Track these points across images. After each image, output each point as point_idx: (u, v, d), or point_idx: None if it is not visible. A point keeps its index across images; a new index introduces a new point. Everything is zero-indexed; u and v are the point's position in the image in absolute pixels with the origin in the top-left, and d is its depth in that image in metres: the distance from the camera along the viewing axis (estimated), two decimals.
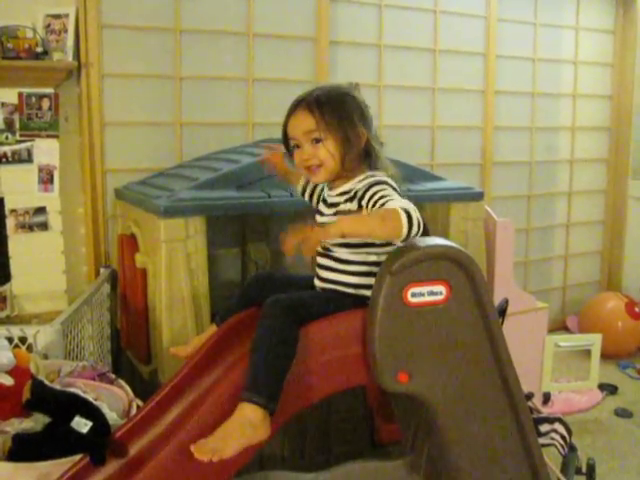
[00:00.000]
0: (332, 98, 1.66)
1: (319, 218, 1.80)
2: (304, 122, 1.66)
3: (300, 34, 3.48)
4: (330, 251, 1.72)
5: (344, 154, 1.65)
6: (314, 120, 1.64)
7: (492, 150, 4.17)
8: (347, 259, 1.70)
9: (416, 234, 1.49)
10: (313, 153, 1.66)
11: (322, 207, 1.80)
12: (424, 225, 1.51)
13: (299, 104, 1.68)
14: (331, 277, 1.73)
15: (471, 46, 4.04)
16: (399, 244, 1.65)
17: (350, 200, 1.67)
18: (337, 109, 1.65)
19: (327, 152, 1.65)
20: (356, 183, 1.68)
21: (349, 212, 1.66)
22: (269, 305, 1.57)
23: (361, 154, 1.69)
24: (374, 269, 1.65)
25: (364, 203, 1.60)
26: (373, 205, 1.57)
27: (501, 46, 4.13)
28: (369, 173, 1.68)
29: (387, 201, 1.53)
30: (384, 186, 1.61)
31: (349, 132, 1.64)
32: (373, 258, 1.68)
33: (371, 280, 1.62)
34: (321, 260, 1.76)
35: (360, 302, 1.66)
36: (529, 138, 4.37)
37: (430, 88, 3.93)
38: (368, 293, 1.63)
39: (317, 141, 1.66)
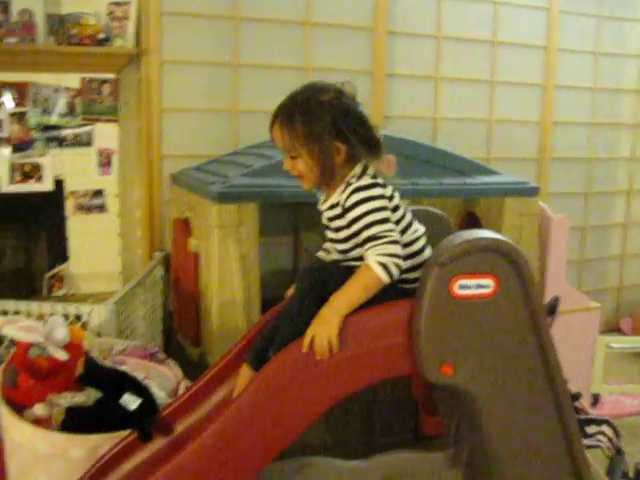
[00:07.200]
0: (305, 111, 1.60)
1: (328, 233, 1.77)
2: (280, 139, 1.64)
3: (358, 24, 3.48)
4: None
5: (322, 167, 1.60)
6: (287, 138, 1.61)
7: (550, 145, 4.10)
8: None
9: (397, 274, 1.52)
10: (292, 166, 1.65)
11: (325, 220, 1.75)
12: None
13: (275, 119, 1.65)
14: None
15: (531, 39, 3.97)
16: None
17: (339, 217, 1.64)
18: (309, 123, 1.59)
19: (305, 167, 1.62)
20: (339, 194, 1.63)
21: (341, 228, 1.64)
22: (299, 279, 1.66)
23: (344, 162, 1.62)
24: None
25: (350, 222, 1.60)
26: (356, 234, 1.58)
27: (563, 39, 4.04)
28: (349, 180, 1.62)
29: (371, 237, 1.54)
30: (369, 204, 1.57)
31: (324, 147, 1.59)
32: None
33: None
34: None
35: None
36: (588, 134, 4.27)
37: (488, 81, 3.88)
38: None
39: (293, 157, 1.64)
